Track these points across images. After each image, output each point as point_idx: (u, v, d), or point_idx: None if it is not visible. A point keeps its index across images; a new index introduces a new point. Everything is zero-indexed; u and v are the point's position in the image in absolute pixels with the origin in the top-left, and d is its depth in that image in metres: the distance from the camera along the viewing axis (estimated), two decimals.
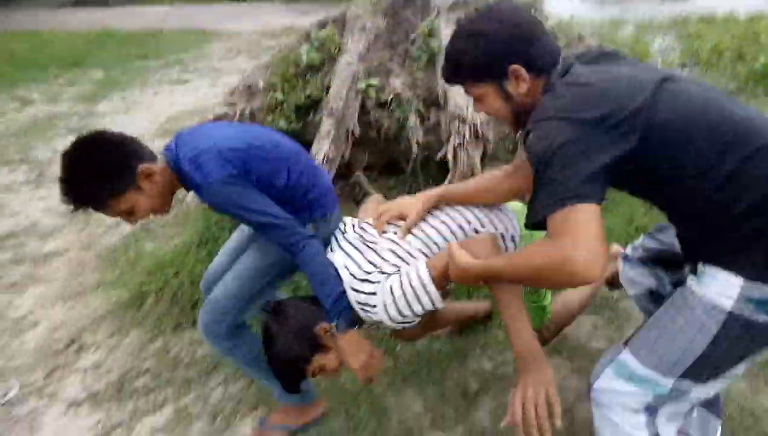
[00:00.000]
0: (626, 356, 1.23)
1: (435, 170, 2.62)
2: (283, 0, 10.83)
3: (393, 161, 2.70)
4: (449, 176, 2.42)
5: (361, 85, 2.50)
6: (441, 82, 2.53)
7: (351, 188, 2.72)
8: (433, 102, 2.54)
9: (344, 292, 1.47)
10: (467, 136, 2.39)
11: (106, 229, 3.31)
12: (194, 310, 2.45)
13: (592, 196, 1.05)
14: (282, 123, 2.49)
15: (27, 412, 2.14)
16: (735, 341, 1.12)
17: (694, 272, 1.18)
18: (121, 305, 2.58)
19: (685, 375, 1.17)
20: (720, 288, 1.10)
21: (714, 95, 1.14)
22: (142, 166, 1.46)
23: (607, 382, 1.25)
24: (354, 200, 2.70)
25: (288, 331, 1.48)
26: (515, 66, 1.22)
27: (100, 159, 1.42)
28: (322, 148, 2.32)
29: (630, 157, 1.06)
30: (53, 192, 3.87)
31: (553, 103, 1.12)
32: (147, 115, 5.15)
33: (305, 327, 1.48)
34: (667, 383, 1.18)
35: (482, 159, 2.43)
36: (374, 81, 2.52)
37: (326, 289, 1.47)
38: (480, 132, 2.42)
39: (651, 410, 1.23)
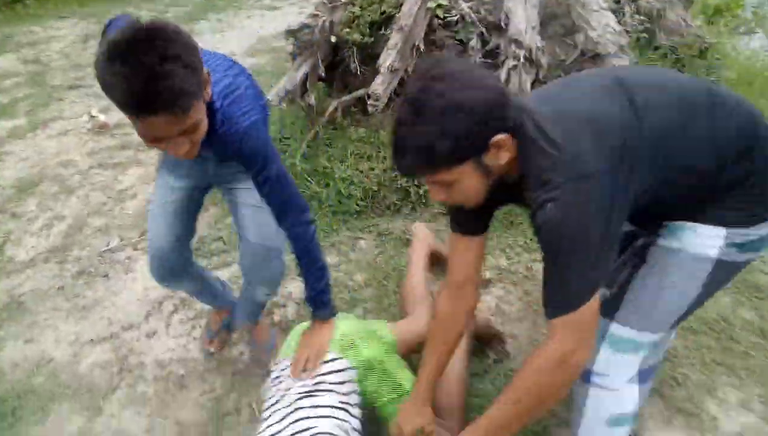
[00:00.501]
0: (618, 329, 1.21)
1: None
2: None
3: None
4: None
5: (431, 4, 2.67)
6: (505, 6, 2.65)
7: None
8: (496, 26, 2.67)
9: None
10: (522, 60, 2.52)
11: None
12: None
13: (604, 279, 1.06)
14: (356, 36, 2.72)
15: (124, 258, 2.62)
16: (720, 283, 1.19)
17: (658, 234, 1.18)
18: None
19: (673, 325, 1.23)
20: (704, 240, 1.12)
21: (664, 75, 1.16)
22: None
23: (605, 357, 1.22)
24: None
25: None
26: (500, 136, 1.00)
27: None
28: (388, 59, 2.54)
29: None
30: None
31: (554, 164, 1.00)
32: (239, 35, 5.54)
33: None
34: (658, 337, 1.21)
35: (533, 83, 2.56)
36: (443, 2, 2.68)
37: (327, 276, 1.53)
38: (535, 57, 2.54)
39: (641, 374, 1.25)
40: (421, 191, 2.64)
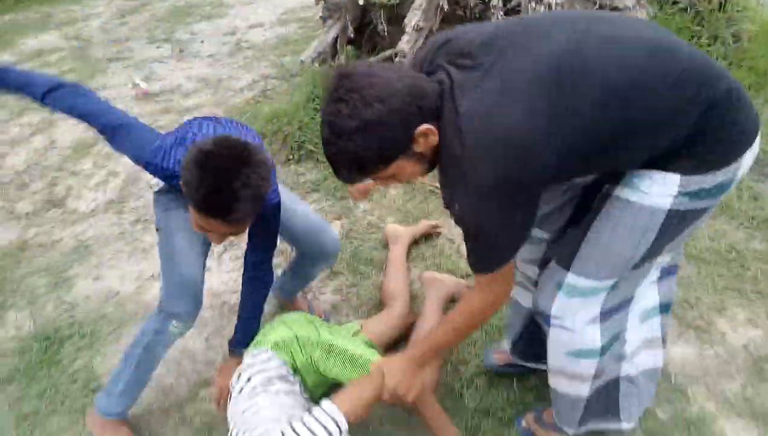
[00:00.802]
0: (574, 279, 1.25)
1: None
2: None
3: None
4: None
5: None
6: None
7: None
8: None
9: None
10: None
11: (234, 93, 3.96)
12: (300, 150, 3.01)
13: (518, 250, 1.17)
14: None
15: None
16: (674, 231, 1.18)
17: (616, 183, 1.18)
18: None
19: (632, 269, 1.24)
20: (660, 189, 1.12)
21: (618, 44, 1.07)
22: None
23: (561, 304, 1.28)
24: None
25: None
26: (420, 129, 1.06)
27: None
28: (413, 18, 2.69)
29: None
30: (192, 64, 4.58)
31: (464, 171, 1.05)
32: (267, 6, 5.71)
33: None
34: (612, 281, 1.26)
35: None
36: None
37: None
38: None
39: (603, 314, 1.30)
40: None
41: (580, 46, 1.04)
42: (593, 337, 1.29)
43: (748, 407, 1.64)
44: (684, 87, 1.04)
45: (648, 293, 1.40)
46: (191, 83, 4.22)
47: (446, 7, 2.80)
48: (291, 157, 3.01)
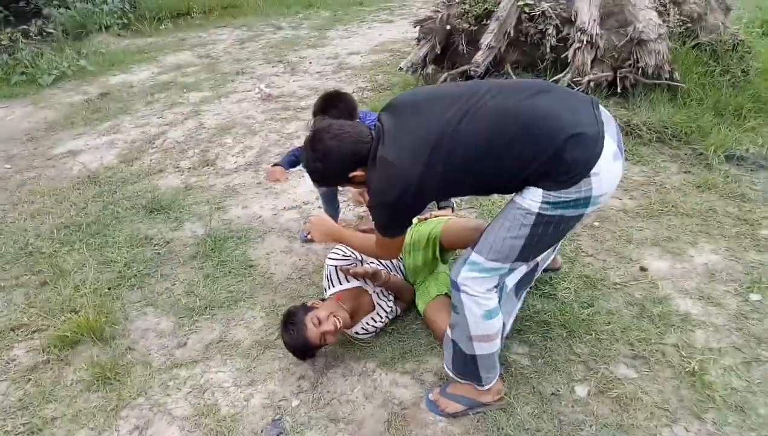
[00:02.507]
0: (475, 257, 1.70)
1: (560, 68, 3.81)
2: None
3: (532, 61, 3.93)
4: (568, 69, 3.62)
5: (521, 2, 3.76)
6: (575, 5, 3.68)
7: (500, 77, 4.00)
8: (567, 19, 3.70)
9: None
10: (584, 43, 3.53)
11: None
12: None
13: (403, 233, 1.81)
14: (465, 25, 3.86)
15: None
16: (543, 231, 1.62)
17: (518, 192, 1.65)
18: None
19: (517, 259, 1.69)
20: (531, 196, 1.58)
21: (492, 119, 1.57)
22: None
23: (465, 275, 1.71)
24: None
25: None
26: (354, 174, 1.74)
27: None
28: (487, 39, 3.65)
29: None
30: (303, 78, 5.73)
31: (379, 189, 1.67)
32: (363, 40, 6.88)
33: None
34: (507, 266, 1.70)
35: (592, 61, 3.57)
36: (530, 1, 3.76)
37: None
38: (594, 41, 3.55)
39: (498, 287, 1.78)
40: None
41: (462, 120, 1.57)
42: (493, 299, 1.76)
43: (698, 294, 2.41)
44: (526, 151, 1.54)
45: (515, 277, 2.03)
46: (303, 91, 5.35)
47: (512, 33, 3.75)
48: None
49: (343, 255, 2.38)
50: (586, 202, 1.57)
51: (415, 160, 1.59)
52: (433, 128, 1.59)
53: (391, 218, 1.76)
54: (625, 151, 1.90)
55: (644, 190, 3.20)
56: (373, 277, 2.30)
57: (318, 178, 1.87)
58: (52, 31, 7.60)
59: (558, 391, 2.02)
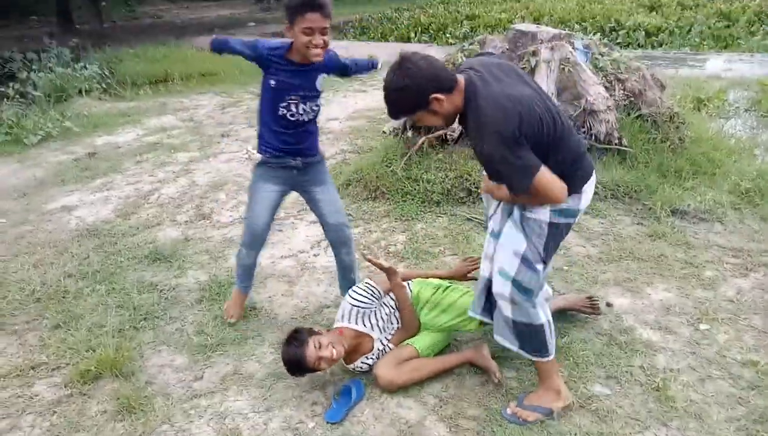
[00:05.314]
0: (504, 267, 2.10)
1: None
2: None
3: None
4: None
5: None
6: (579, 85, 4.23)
7: None
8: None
9: None
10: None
11: None
12: (375, 191, 4.34)
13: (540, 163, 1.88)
14: None
15: (290, 221, 4.16)
16: (555, 236, 2.06)
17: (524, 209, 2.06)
18: None
19: (542, 261, 2.07)
20: (541, 210, 2.00)
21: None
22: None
23: (500, 286, 2.12)
24: None
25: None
26: (433, 96, 1.86)
27: None
28: None
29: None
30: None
31: (484, 119, 1.82)
32: (339, 107, 7.39)
33: None
34: (539, 268, 2.07)
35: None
36: None
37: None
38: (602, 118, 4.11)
39: (531, 293, 2.11)
40: (477, 190, 4.12)
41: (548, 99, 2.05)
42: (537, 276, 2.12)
43: (657, 325, 2.79)
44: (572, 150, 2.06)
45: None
46: None
47: None
48: (369, 196, 4.34)
49: (365, 298, 2.56)
50: (574, 210, 2.06)
51: (521, 98, 1.86)
52: (533, 86, 2.02)
53: (512, 153, 1.82)
54: None
55: (604, 239, 3.64)
56: (387, 271, 2.59)
57: (398, 98, 1.92)
58: (33, 93, 7.80)
59: None
